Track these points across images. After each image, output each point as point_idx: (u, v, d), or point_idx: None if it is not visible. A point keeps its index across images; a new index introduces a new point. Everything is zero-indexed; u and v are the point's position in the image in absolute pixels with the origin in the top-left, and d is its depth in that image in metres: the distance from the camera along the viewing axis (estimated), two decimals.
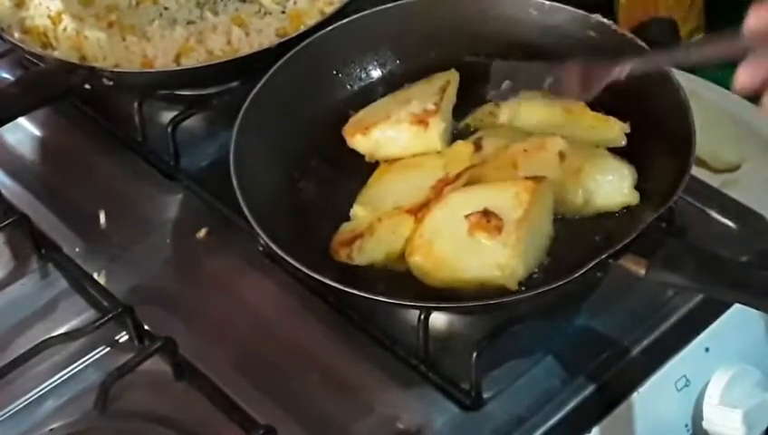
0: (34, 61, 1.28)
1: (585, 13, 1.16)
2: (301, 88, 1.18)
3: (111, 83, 1.21)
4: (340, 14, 1.25)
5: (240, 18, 1.29)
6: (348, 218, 1.08)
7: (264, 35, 1.27)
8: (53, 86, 1.20)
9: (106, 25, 1.29)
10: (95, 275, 1.12)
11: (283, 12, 1.31)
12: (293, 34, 1.22)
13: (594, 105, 1.11)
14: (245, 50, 1.25)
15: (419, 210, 1.05)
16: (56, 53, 1.26)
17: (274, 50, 1.19)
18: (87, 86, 1.21)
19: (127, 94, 1.25)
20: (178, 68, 1.24)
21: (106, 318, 1.05)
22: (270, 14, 1.30)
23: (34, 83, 1.21)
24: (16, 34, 1.28)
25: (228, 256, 1.14)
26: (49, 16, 1.29)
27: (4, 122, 1.19)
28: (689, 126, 1.03)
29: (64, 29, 1.27)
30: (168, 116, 1.24)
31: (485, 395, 0.99)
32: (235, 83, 1.25)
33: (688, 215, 1.11)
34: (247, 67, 1.20)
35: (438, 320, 1.04)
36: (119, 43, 1.26)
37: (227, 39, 1.27)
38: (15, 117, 1.21)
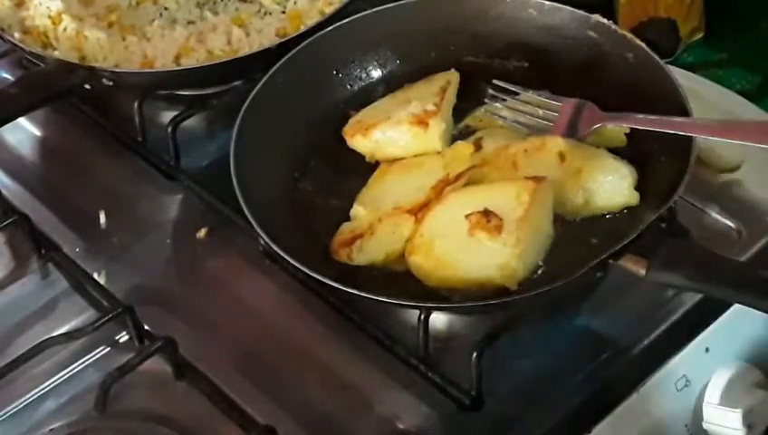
0: (34, 61, 1.28)
1: (585, 13, 1.16)
2: (301, 88, 1.18)
3: (111, 83, 1.21)
4: (340, 14, 1.24)
5: (240, 18, 1.29)
6: (348, 218, 1.08)
7: (263, 35, 1.27)
8: (53, 86, 1.20)
9: (106, 25, 1.29)
10: (95, 275, 1.12)
11: (284, 12, 1.31)
12: (293, 34, 1.22)
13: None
14: (245, 50, 1.25)
15: (419, 210, 1.05)
16: (56, 53, 1.25)
17: (275, 50, 1.19)
18: (87, 86, 1.21)
19: (127, 94, 1.25)
20: (178, 68, 1.24)
21: (106, 318, 1.05)
22: (270, 14, 1.31)
23: (34, 83, 1.21)
24: (16, 34, 1.28)
25: (228, 255, 1.14)
26: (49, 16, 1.28)
27: (4, 122, 1.19)
28: None
29: (64, 29, 1.27)
30: (168, 116, 1.24)
31: (485, 395, 0.99)
32: (236, 83, 1.25)
33: (688, 215, 1.11)
34: (247, 67, 1.20)
35: (438, 320, 1.04)
36: (118, 43, 1.26)
37: (227, 39, 1.27)
38: (15, 117, 1.21)
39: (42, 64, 1.25)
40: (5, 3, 1.31)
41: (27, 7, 1.31)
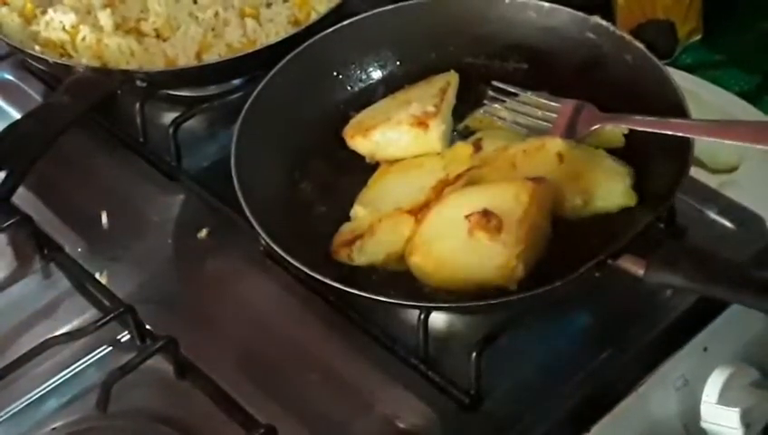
0: (40, 66, 1.28)
1: (584, 14, 1.17)
2: (301, 89, 1.18)
3: (145, 85, 1.21)
4: (340, 10, 1.26)
5: (244, 11, 1.30)
6: (348, 219, 1.09)
7: (276, 24, 1.29)
8: (98, 91, 1.20)
9: (113, 25, 1.29)
10: (97, 275, 1.12)
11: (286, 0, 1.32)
12: (309, 23, 1.24)
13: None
14: (263, 40, 1.27)
15: (419, 211, 1.05)
16: (83, 61, 1.25)
17: (301, 35, 1.21)
18: (118, 91, 1.21)
19: (129, 96, 1.25)
20: (209, 62, 1.25)
21: (108, 318, 1.05)
22: (274, 3, 1.32)
23: (81, 90, 1.20)
24: (37, 47, 1.27)
25: (229, 256, 1.14)
26: (64, 29, 1.29)
27: (64, 130, 1.17)
28: None
29: (83, 38, 1.27)
30: (169, 117, 1.24)
31: (485, 395, 0.99)
32: (236, 82, 1.27)
33: (687, 215, 1.12)
34: (272, 55, 1.20)
35: (438, 320, 1.04)
36: (138, 46, 1.27)
37: (243, 31, 1.28)
38: (72, 125, 1.18)
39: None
40: (15, 19, 1.31)
41: (38, 22, 1.31)
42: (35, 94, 1.36)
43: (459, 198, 1.04)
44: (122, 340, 1.07)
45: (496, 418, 0.98)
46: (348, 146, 1.15)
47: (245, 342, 1.07)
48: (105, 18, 1.29)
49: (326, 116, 1.18)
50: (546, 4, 1.19)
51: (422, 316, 0.99)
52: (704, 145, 1.03)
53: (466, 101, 1.18)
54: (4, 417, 1.03)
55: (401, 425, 0.99)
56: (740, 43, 1.69)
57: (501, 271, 0.97)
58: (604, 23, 1.16)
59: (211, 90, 1.28)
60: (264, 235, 1.01)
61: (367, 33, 1.22)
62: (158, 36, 1.29)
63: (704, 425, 1.05)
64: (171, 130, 1.22)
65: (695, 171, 1.03)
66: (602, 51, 1.15)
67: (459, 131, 1.16)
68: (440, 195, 1.06)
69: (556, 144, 1.07)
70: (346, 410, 1.00)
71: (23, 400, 1.04)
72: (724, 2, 1.70)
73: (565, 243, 1.03)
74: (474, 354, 0.97)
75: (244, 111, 1.12)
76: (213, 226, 1.17)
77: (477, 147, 1.11)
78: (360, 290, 0.98)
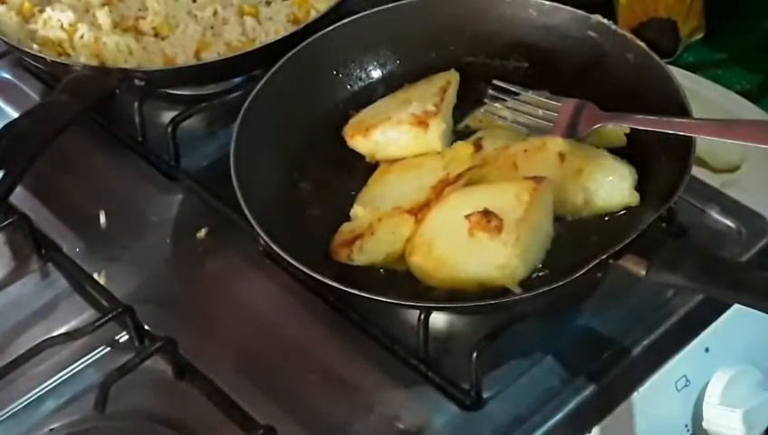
0: (38, 65, 1.28)
1: (585, 13, 1.17)
2: (301, 88, 1.18)
3: (143, 84, 1.21)
4: (340, 8, 1.25)
5: (243, 9, 1.30)
6: (348, 218, 1.08)
7: (276, 22, 1.29)
8: (96, 90, 1.19)
9: (111, 24, 1.29)
10: (95, 275, 1.12)
11: None
12: (308, 21, 1.23)
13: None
14: (262, 38, 1.27)
15: (420, 210, 1.05)
16: (82, 59, 1.25)
17: (300, 33, 1.20)
18: (117, 90, 1.20)
19: (127, 94, 1.24)
20: (208, 61, 1.24)
21: (106, 318, 1.05)
22: (273, 1, 1.31)
23: (80, 89, 1.19)
24: (35, 46, 1.27)
25: (228, 256, 1.14)
26: (62, 28, 1.28)
27: (63, 129, 1.16)
28: None
29: (81, 37, 1.27)
30: (168, 116, 1.24)
31: (485, 395, 0.99)
32: (236, 81, 1.26)
33: (689, 215, 1.11)
34: (271, 54, 1.20)
35: (438, 320, 1.04)
36: (136, 45, 1.26)
37: (242, 29, 1.28)
38: (70, 124, 1.17)
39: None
40: (13, 17, 1.31)
41: (36, 20, 1.30)
42: (33, 93, 1.36)
43: (459, 198, 1.04)
44: (121, 340, 1.07)
45: (496, 418, 0.98)
46: (348, 145, 1.15)
47: (245, 342, 1.07)
48: (103, 16, 1.29)
49: (326, 115, 1.18)
50: (547, 3, 1.18)
51: (422, 316, 0.99)
52: (706, 144, 1.03)
53: (467, 101, 1.17)
54: (2, 418, 1.03)
55: (401, 425, 0.98)
56: (742, 41, 1.68)
57: (501, 271, 0.97)
58: (605, 21, 1.16)
59: (210, 89, 1.28)
60: (263, 234, 1.00)
61: (366, 32, 1.22)
62: (156, 35, 1.29)
63: (706, 426, 1.05)
64: (170, 130, 1.21)
65: (696, 170, 1.03)
66: (603, 49, 1.15)
67: (460, 130, 1.16)
68: (440, 194, 1.06)
69: (557, 143, 1.07)
70: (346, 410, 1.00)
71: (21, 400, 1.04)
72: (727, 1, 1.70)
73: (566, 243, 1.03)
74: (474, 354, 0.97)
75: (243, 110, 1.11)
76: (212, 225, 1.16)
77: (478, 146, 1.11)
78: (359, 290, 0.97)
